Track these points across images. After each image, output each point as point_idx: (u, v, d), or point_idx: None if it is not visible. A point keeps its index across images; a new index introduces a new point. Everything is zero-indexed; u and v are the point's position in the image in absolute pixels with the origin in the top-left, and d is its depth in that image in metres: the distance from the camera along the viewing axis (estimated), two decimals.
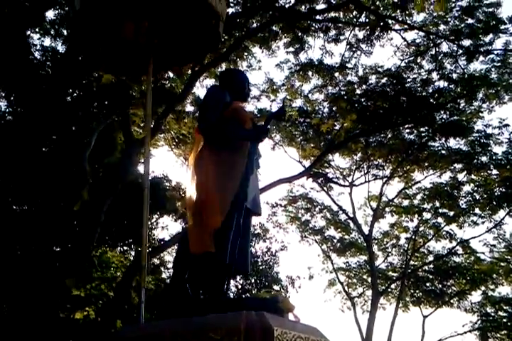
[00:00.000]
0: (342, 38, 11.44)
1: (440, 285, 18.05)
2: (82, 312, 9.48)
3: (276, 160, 38.84)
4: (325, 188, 16.56)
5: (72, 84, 10.44)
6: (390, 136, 14.56)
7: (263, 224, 19.02)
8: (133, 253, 12.78)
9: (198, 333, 2.59)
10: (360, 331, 16.37)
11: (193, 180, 3.32)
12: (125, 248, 13.10)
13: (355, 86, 13.23)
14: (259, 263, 18.87)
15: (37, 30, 10.71)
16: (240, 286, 18.38)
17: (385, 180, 16.39)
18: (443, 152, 14.49)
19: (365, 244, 17.08)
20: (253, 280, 18.69)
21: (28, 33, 10.50)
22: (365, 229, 17.13)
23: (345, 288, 18.27)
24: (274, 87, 13.36)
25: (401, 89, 12.49)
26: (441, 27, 12.27)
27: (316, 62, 11.66)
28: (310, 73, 12.14)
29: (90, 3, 3.98)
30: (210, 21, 4.07)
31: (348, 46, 11.63)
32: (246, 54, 12.50)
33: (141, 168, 12.04)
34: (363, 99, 12.99)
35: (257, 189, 3.53)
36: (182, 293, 3.10)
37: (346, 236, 17.94)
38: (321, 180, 15.77)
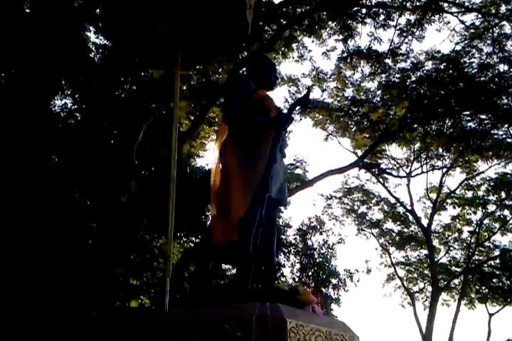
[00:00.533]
0: (391, 23, 10.99)
1: (508, 282, 17.11)
2: (137, 300, 9.77)
3: (330, 152, 38.36)
4: (380, 180, 16.12)
5: (126, 79, 10.71)
6: (449, 124, 13.94)
7: (319, 217, 18.83)
8: (192, 244, 13.02)
9: (213, 323, 2.58)
10: (419, 327, 15.87)
11: (217, 170, 3.30)
12: (184, 239, 13.38)
13: (410, 73, 12.77)
14: (316, 256, 18.70)
15: (91, 28, 11.04)
16: (296, 279, 18.35)
17: (445, 170, 15.72)
18: (508, 140, 13.69)
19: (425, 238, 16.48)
20: (310, 273, 18.59)
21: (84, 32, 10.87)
22: (426, 223, 16.54)
23: (405, 282, 17.75)
24: (323, 76, 13.10)
25: (458, 74, 11.87)
26: (502, 7, 11.54)
27: (365, 50, 11.28)
28: (358, 61, 11.77)
29: None
30: (236, 10, 3.96)
31: (399, 31, 11.17)
32: (297, 44, 12.31)
33: (191, 160, 12.31)
34: (416, 86, 12.48)
35: (283, 178, 3.45)
36: (203, 284, 3.09)
37: (405, 230, 17.39)
38: (374, 170, 15.34)
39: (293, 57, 12.66)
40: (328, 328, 2.71)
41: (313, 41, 12.36)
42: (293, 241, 18.77)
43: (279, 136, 3.26)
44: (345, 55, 11.71)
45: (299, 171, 14.94)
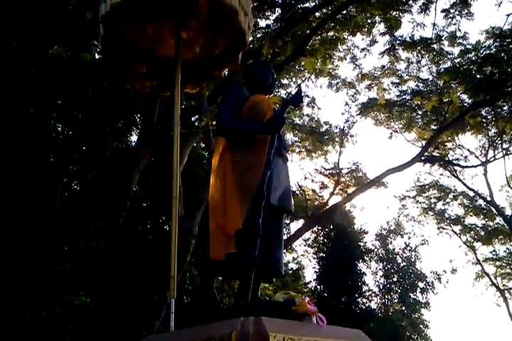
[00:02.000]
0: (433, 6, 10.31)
1: None
2: None
3: (398, 149, 36.65)
4: (454, 173, 15.12)
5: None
6: None
7: (397, 219, 18.04)
8: None
9: None
10: None
11: (214, 182, 3.18)
12: None
13: (469, 54, 11.99)
14: (399, 261, 17.86)
15: None
16: (381, 286, 17.56)
17: None
18: None
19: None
20: (395, 279, 17.73)
21: None
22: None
23: (496, 279, 16.40)
24: (375, 73, 12.59)
25: None
26: None
27: (408, 38, 10.68)
28: (408, 51, 11.17)
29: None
30: (228, 17, 3.80)
31: (444, 13, 10.48)
32: (347, 45, 11.88)
33: None
34: (478, 68, 11.64)
35: (286, 184, 3.25)
36: (206, 301, 2.94)
37: (490, 223, 16.12)
38: (441, 163, 14.39)
39: (345, 59, 12.34)
40: (330, 339, 2.47)
41: (363, 39, 11.93)
42: (371, 248, 18.07)
43: (274, 140, 3.09)
44: (387, 47, 11.16)
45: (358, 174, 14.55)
